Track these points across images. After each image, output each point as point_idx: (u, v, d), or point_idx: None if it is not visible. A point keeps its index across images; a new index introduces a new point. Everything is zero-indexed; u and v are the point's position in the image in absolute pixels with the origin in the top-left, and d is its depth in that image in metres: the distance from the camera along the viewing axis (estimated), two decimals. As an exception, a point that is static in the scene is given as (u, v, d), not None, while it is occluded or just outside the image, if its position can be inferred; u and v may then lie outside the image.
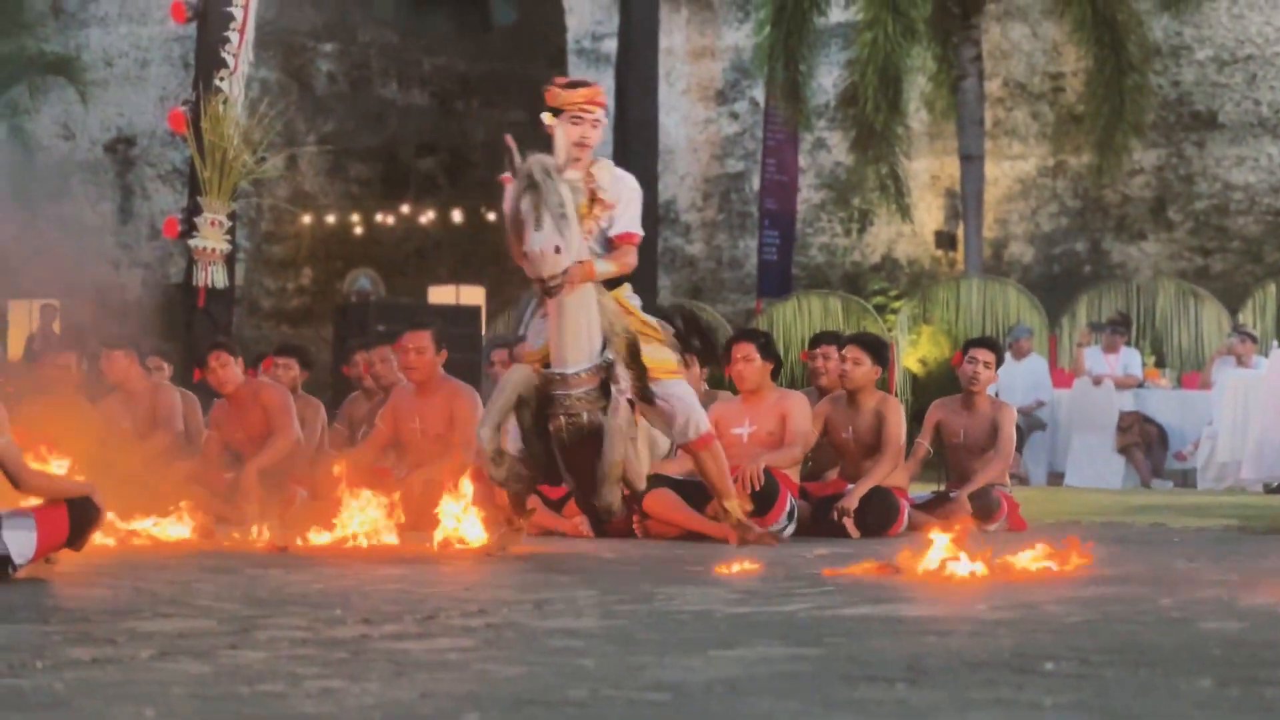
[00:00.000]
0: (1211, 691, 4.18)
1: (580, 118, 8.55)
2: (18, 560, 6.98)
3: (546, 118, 8.52)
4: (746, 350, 10.29)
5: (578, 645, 5.03)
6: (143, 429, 12.18)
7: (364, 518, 9.23)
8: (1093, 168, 23.64)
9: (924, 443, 11.20)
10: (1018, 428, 12.00)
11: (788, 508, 9.81)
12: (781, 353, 11.46)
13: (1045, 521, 11.23)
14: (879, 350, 10.73)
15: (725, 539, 9.37)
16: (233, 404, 11.96)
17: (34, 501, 7.29)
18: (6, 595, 6.40)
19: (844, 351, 10.72)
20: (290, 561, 8.24)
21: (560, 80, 8.81)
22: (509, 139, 8.30)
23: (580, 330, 8.47)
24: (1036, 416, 18.72)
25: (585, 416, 8.47)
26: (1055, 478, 18.66)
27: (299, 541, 9.10)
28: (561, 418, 8.49)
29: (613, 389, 8.48)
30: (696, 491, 9.85)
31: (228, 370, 11.87)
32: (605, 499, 8.51)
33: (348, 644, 5.05)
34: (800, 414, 10.23)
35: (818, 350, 11.51)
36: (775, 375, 10.55)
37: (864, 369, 10.58)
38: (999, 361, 11.61)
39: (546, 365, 8.55)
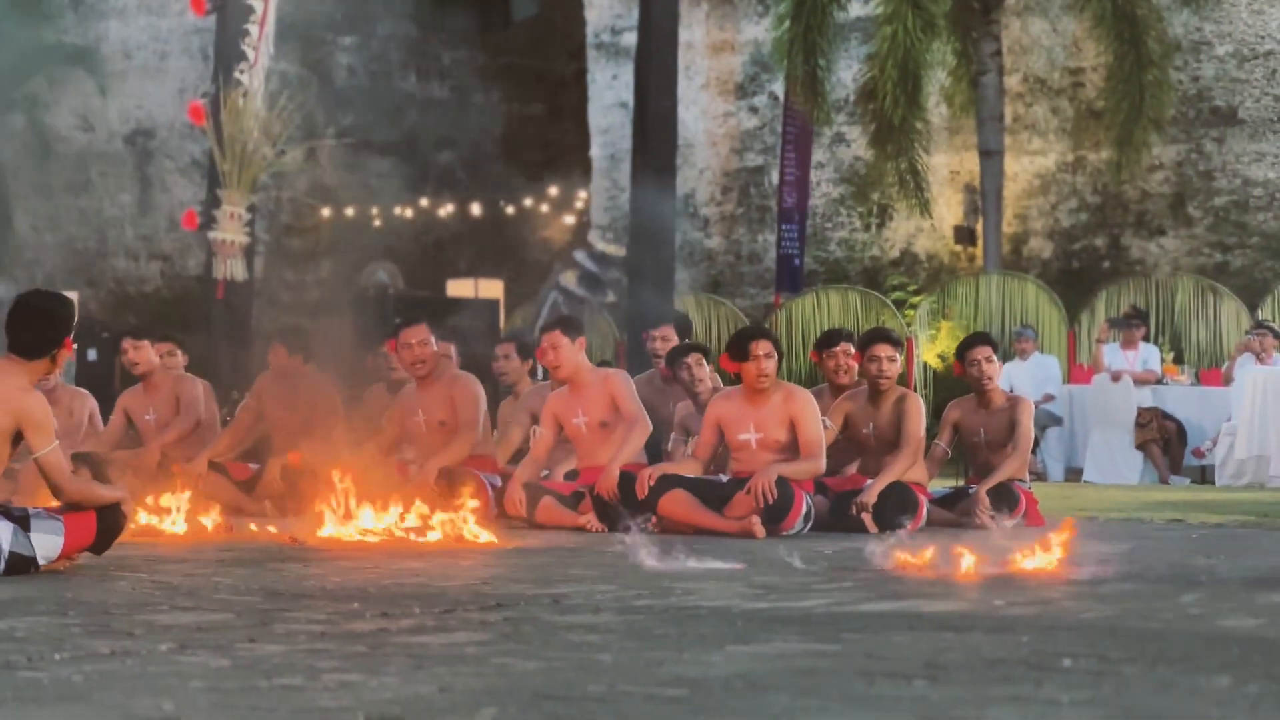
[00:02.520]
0: (1230, 689, 4.18)
1: None
2: (42, 562, 7.06)
3: None
4: (769, 348, 9.99)
5: (596, 640, 5.03)
6: (164, 418, 12.22)
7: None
8: (1112, 163, 23.55)
9: (941, 444, 11.12)
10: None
11: (804, 510, 9.76)
12: (800, 347, 11.36)
13: (1063, 517, 11.20)
14: (901, 344, 10.79)
15: (743, 535, 9.38)
16: (280, 385, 12.02)
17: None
18: (26, 588, 6.42)
19: (876, 350, 10.62)
20: (308, 555, 8.25)
21: None
22: None
23: None
24: (1050, 412, 18.68)
25: None
26: (1073, 474, 18.62)
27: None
28: None
29: None
30: (710, 491, 9.83)
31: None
32: None
33: (366, 637, 5.06)
34: (813, 420, 9.94)
35: (837, 349, 11.25)
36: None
37: (897, 365, 10.60)
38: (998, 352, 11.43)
39: None
